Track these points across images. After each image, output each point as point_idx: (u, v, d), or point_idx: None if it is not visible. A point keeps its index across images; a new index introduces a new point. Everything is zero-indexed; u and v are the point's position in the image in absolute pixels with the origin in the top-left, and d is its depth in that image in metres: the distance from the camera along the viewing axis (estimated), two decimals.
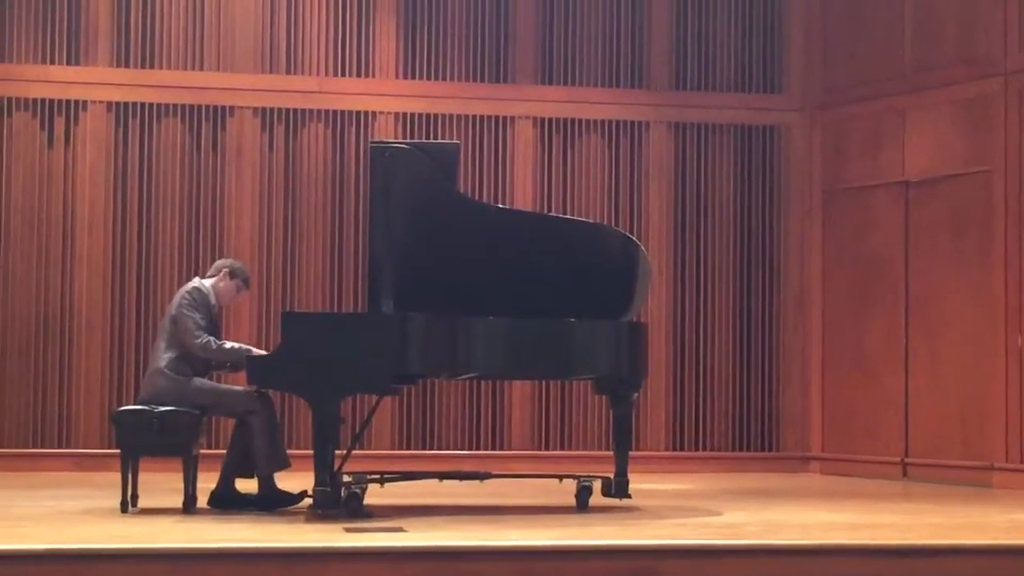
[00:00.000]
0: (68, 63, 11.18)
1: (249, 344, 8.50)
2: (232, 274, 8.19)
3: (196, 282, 8.10)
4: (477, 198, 11.00)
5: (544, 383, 11.35)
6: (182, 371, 7.84)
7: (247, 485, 7.97)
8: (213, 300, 8.07)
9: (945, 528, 7.47)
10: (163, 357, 7.86)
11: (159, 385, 7.82)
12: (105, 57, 11.21)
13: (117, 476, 7.79)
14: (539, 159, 11.62)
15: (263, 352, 7.94)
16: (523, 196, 11.53)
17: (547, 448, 11.42)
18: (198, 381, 7.90)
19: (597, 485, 8.23)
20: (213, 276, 8.18)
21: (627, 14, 11.78)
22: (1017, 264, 10.27)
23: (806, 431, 11.65)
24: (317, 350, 7.53)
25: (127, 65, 11.23)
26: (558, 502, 8.38)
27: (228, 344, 7.98)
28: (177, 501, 7.77)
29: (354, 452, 8.24)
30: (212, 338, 7.90)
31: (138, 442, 7.72)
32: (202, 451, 7.97)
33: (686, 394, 11.64)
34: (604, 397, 9.40)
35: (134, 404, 7.98)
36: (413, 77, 11.54)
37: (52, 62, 11.16)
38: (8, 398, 10.91)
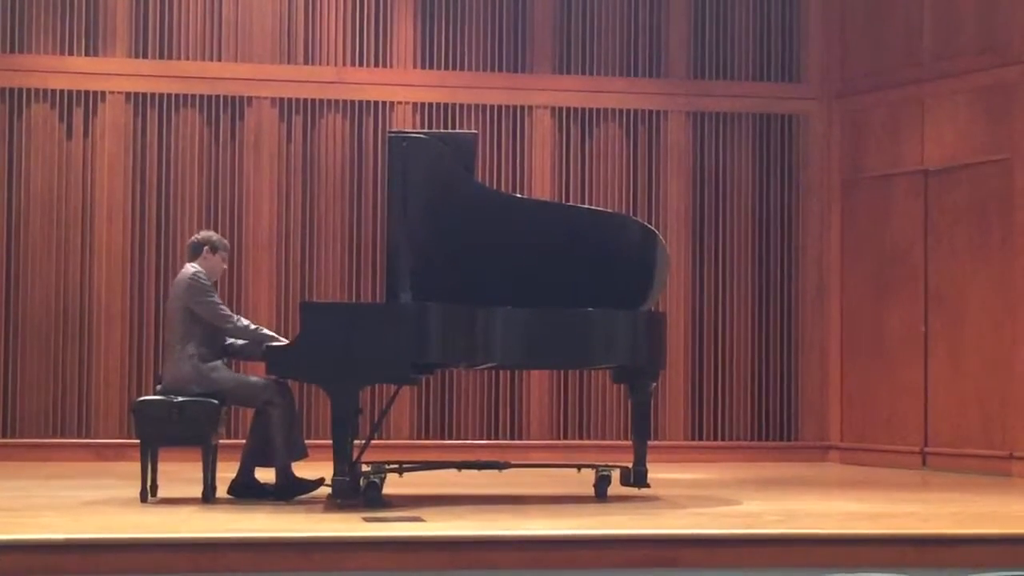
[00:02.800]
0: (86, 54, 11.19)
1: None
2: (213, 249, 8.19)
3: (194, 267, 8.07)
4: (495, 188, 11.01)
5: (562, 372, 11.34)
6: (204, 358, 7.87)
7: (266, 475, 7.99)
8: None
9: (965, 517, 7.46)
10: (181, 345, 7.88)
11: (181, 373, 7.83)
12: (123, 48, 11.22)
13: (137, 466, 7.82)
14: (557, 148, 11.61)
15: (282, 340, 7.97)
16: (541, 185, 11.51)
17: (565, 438, 11.41)
18: (221, 369, 7.93)
19: (616, 475, 8.23)
20: (196, 257, 8.16)
21: (645, 2, 11.74)
22: None
23: (825, 420, 11.62)
24: (335, 340, 7.54)
25: (145, 56, 11.23)
26: (577, 492, 8.38)
27: (254, 325, 8.05)
28: (196, 491, 7.79)
29: (373, 442, 8.26)
30: (240, 317, 8.06)
31: (158, 432, 7.75)
32: (221, 441, 8.00)
33: (705, 383, 11.63)
34: (622, 386, 9.42)
35: (157, 392, 7.99)
36: (431, 67, 11.53)
37: (70, 53, 11.17)
38: (28, 388, 10.94)
